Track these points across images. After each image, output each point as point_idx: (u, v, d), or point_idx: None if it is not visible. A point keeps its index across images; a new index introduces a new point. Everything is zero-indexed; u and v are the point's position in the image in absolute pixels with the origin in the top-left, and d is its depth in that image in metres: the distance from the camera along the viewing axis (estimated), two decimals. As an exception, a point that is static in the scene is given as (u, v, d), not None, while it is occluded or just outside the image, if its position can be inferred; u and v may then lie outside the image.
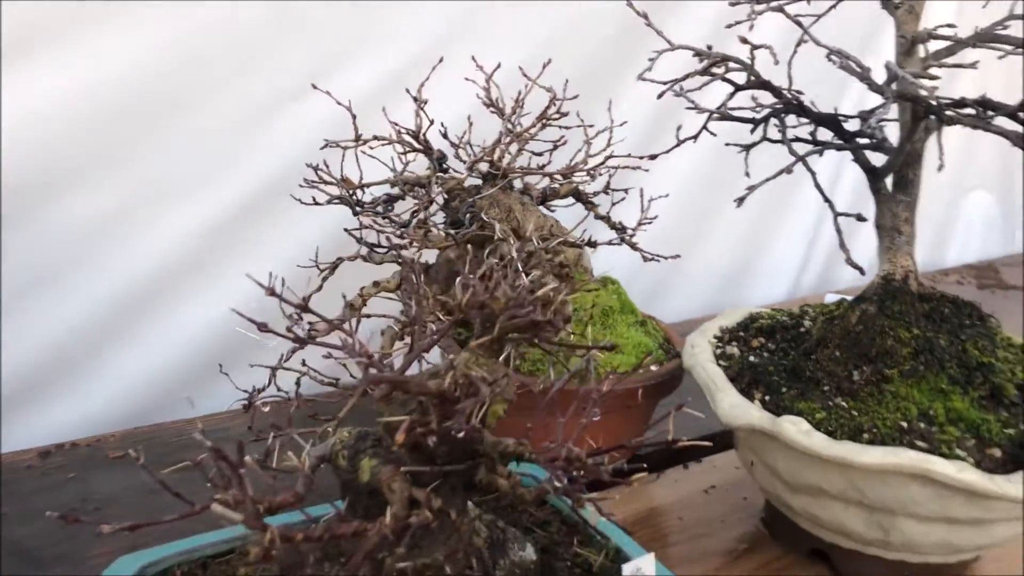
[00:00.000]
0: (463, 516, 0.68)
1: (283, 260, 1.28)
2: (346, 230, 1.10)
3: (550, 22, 1.46)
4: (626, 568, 0.69)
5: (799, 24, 0.84)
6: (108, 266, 1.24)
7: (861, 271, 0.90)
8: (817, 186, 0.91)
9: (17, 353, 1.19)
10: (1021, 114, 0.78)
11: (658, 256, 1.13)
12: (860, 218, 0.89)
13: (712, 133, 1.00)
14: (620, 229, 1.18)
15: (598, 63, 1.49)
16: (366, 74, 1.32)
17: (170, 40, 1.22)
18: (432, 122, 1.09)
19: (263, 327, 0.60)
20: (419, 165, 1.14)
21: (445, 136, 1.16)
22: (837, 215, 0.88)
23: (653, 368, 1.09)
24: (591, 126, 1.13)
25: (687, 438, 1.01)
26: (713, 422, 1.32)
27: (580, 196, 1.19)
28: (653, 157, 1.03)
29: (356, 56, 1.32)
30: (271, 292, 0.63)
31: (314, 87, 1.10)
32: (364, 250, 1.11)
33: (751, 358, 1.00)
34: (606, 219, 1.18)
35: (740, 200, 0.89)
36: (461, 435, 0.58)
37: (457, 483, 0.66)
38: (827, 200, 0.90)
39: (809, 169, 0.88)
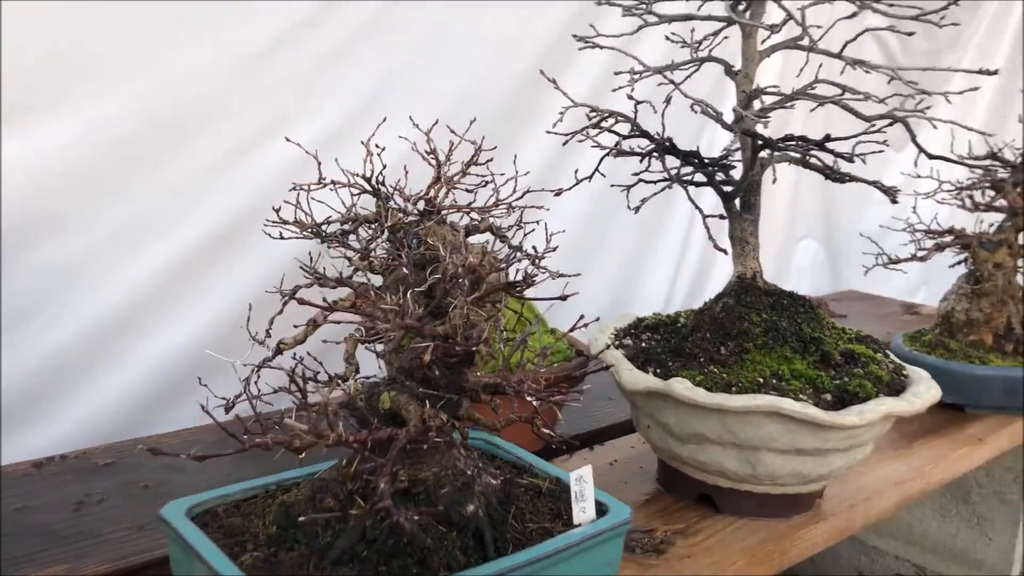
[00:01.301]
0: (451, 442, 0.90)
1: (246, 290, 1.49)
2: (301, 266, 1.32)
3: (464, 81, 1.74)
4: (572, 474, 0.93)
5: (672, 82, 1.15)
6: (86, 300, 1.41)
7: (724, 251, 1.19)
8: (690, 198, 1.20)
9: (9, 377, 1.33)
10: (827, 144, 1.10)
11: (561, 273, 1.39)
12: (722, 216, 1.19)
13: (603, 174, 1.28)
14: (529, 256, 1.44)
15: (507, 114, 1.76)
16: (307, 131, 1.55)
17: (138, 102, 1.42)
18: (384, 167, 1.32)
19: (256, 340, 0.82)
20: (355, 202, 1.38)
21: (382, 183, 1.40)
22: (705, 216, 1.18)
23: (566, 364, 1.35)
24: (502, 174, 1.40)
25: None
26: (611, 415, 1.59)
27: (496, 231, 1.45)
28: (558, 193, 1.30)
29: (301, 114, 1.55)
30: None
31: (287, 139, 1.31)
32: (325, 272, 1.33)
33: (643, 345, 1.27)
34: (518, 248, 1.44)
35: (636, 208, 1.18)
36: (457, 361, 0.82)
37: (448, 415, 0.89)
38: (696, 206, 1.20)
39: (682, 184, 1.18)
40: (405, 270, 1.33)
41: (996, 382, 1.64)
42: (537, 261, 1.45)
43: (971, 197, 1.79)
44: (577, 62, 1.86)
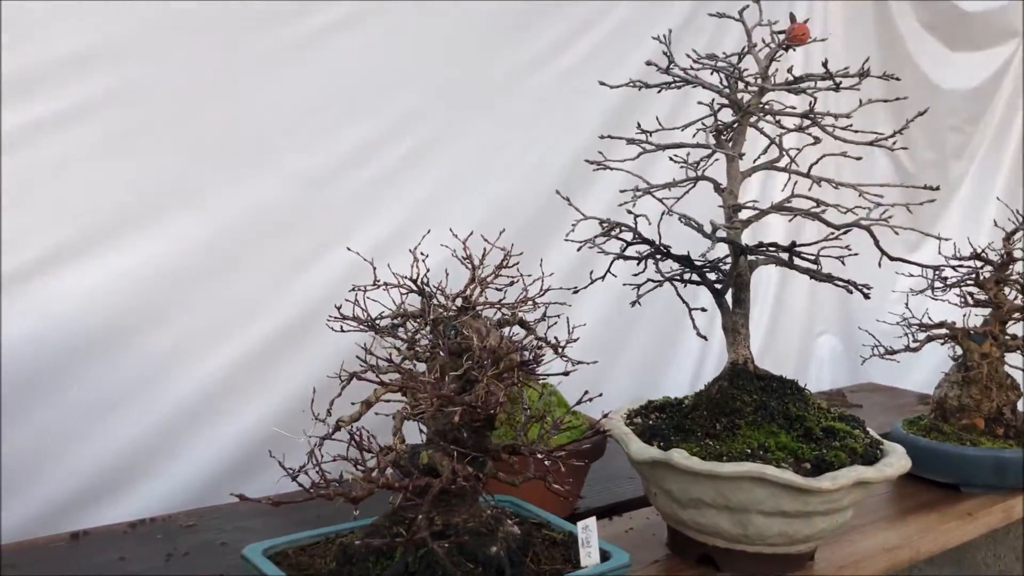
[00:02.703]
0: (477, 494, 1.10)
1: (309, 377, 1.72)
2: (357, 356, 1.55)
3: (497, 197, 1.99)
4: (580, 524, 1.12)
5: (661, 200, 1.38)
6: (173, 387, 1.65)
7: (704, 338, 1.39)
8: (678, 294, 1.41)
9: (104, 451, 1.57)
10: (796, 248, 1.31)
11: (583, 362, 1.60)
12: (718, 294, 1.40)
13: (614, 275, 1.50)
14: (553, 346, 1.65)
15: (535, 224, 2.00)
16: (362, 241, 1.80)
17: (220, 221, 1.69)
18: (428, 271, 1.56)
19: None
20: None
21: (426, 284, 1.64)
22: (691, 310, 1.39)
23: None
24: (529, 275, 1.63)
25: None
26: (629, 492, 1.76)
27: (524, 323, 1.67)
28: (576, 291, 1.52)
29: (356, 228, 1.81)
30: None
31: (348, 249, 1.55)
32: (377, 360, 1.55)
33: (650, 423, 1.46)
34: (543, 338, 1.66)
35: (633, 303, 1.40)
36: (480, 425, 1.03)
37: (475, 470, 1.09)
38: (683, 301, 1.41)
39: (673, 282, 1.39)
40: (443, 356, 1.56)
41: (987, 462, 1.78)
42: (560, 348, 1.67)
43: (969, 294, 1.97)
44: (597, 180, 2.11)
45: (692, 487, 1.33)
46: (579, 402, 1.14)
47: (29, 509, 1.51)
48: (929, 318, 1.95)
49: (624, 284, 1.53)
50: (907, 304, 1.93)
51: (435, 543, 1.00)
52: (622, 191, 1.44)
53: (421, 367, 1.61)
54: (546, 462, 1.07)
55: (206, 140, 1.67)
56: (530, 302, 1.62)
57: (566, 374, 1.09)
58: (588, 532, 1.13)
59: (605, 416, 1.10)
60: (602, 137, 1.43)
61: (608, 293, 1.54)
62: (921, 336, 1.93)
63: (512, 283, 1.63)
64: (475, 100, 1.98)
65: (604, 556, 1.14)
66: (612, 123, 2.07)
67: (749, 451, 1.33)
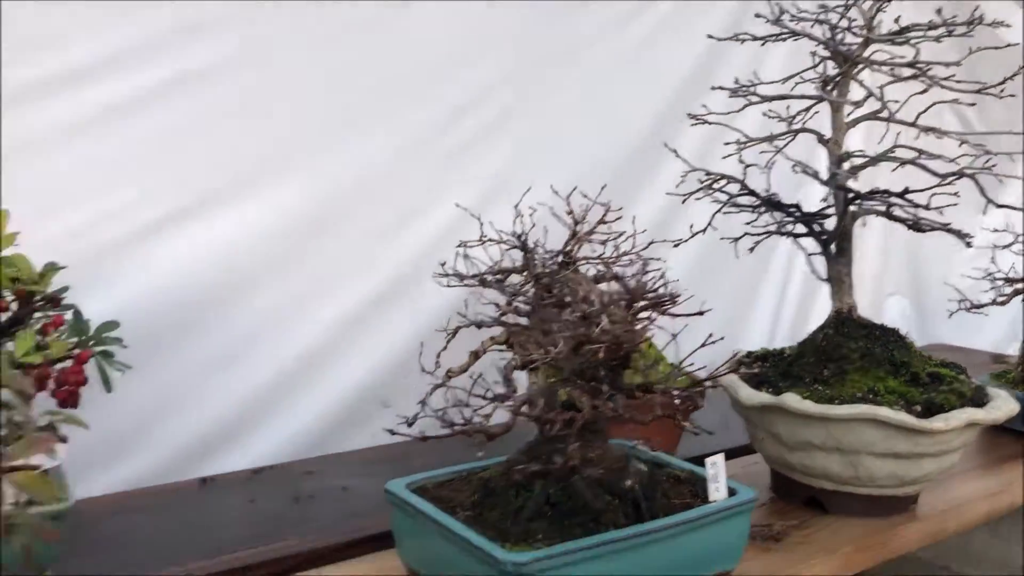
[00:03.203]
0: (609, 432, 1.14)
1: (410, 333, 1.78)
2: (459, 313, 1.60)
3: (589, 152, 2.02)
4: (708, 460, 1.16)
5: (777, 148, 1.40)
6: (280, 343, 1.71)
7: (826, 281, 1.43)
8: (795, 242, 1.44)
9: (221, 404, 1.63)
10: (906, 195, 1.33)
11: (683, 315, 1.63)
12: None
13: (715, 228, 1.53)
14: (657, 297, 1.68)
15: (624, 180, 2.03)
16: (462, 199, 1.85)
17: (324, 182, 1.75)
18: (533, 226, 1.59)
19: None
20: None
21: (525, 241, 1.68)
22: (809, 255, 1.42)
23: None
24: (623, 232, 1.66)
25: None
26: (726, 440, 1.79)
27: (618, 278, 1.70)
28: (677, 244, 1.55)
29: (456, 186, 1.85)
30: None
31: (456, 205, 1.60)
32: (481, 316, 1.60)
33: (755, 371, 1.50)
34: (641, 291, 1.69)
35: (751, 249, 1.43)
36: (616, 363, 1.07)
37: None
38: (801, 247, 1.44)
39: (785, 234, 1.42)
40: (549, 309, 1.60)
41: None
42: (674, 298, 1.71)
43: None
44: (681, 135, 2.14)
45: (803, 430, 1.36)
46: (701, 345, 1.18)
47: (156, 458, 1.58)
48: (1016, 271, 1.96)
49: (722, 239, 1.56)
50: (993, 258, 1.94)
51: (578, 477, 1.04)
52: (726, 143, 1.47)
53: (523, 321, 1.66)
54: (676, 400, 1.11)
55: (310, 105, 1.72)
56: (627, 256, 1.66)
57: (701, 313, 1.12)
58: (716, 468, 1.17)
59: (736, 357, 1.13)
60: (713, 88, 1.46)
61: (689, 248, 1.57)
62: (1008, 290, 1.94)
63: (608, 240, 1.67)
64: (561, 57, 2.01)
65: (730, 492, 1.18)
66: (698, 77, 2.10)
67: (859, 395, 1.36)
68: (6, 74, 1.43)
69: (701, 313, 1.11)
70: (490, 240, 1.60)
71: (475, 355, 1.60)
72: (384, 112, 1.80)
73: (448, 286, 1.59)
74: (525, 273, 1.59)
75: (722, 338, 1.21)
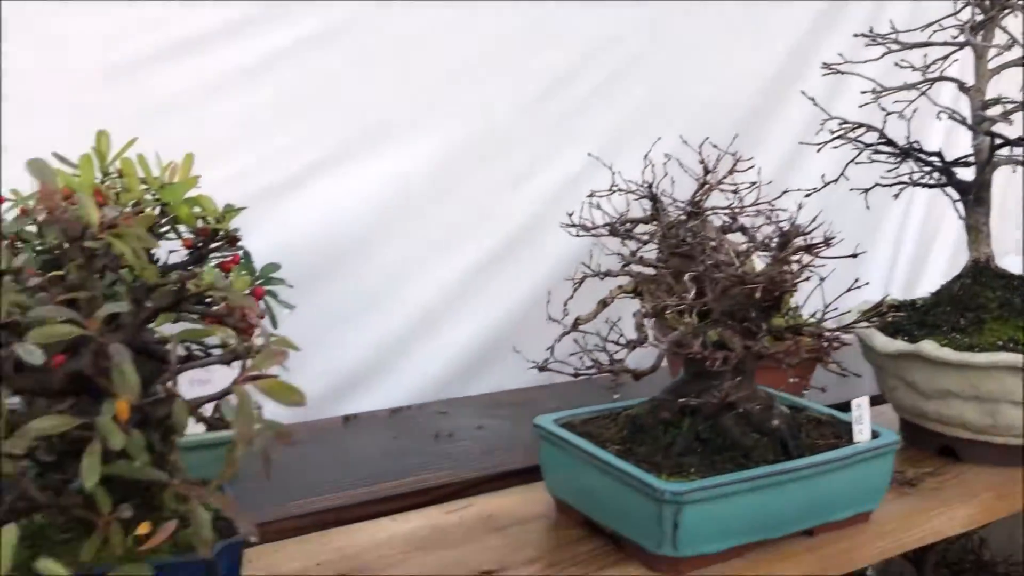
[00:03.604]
0: (755, 373, 1.17)
1: (534, 282, 1.83)
2: (584, 263, 1.63)
3: (709, 101, 2.03)
4: (854, 401, 1.17)
5: (923, 93, 1.39)
6: (412, 291, 1.77)
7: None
8: (942, 189, 1.43)
9: (358, 348, 1.71)
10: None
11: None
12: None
13: (847, 177, 1.53)
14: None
15: (743, 130, 2.04)
16: (584, 149, 1.87)
17: (449, 137, 1.80)
18: (666, 174, 1.61)
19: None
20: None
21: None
22: (955, 201, 1.42)
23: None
24: (751, 182, 1.67)
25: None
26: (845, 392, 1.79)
27: (744, 229, 1.72)
28: (808, 195, 1.55)
29: (579, 138, 1.88)
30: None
31: (588, 154, 1.63)
32: (605, 268, 1.63)
33: (889, 320, 1.50)
34: (763, 244, 1.70)
35: (898, 196, 1.43)
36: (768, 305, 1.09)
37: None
38: (947, 194, 1.43)
39: (922, 185, 1.42)
40: (677, 259, 1.62)
41: None
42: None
43: None
44: (799, 83, 2.12)
45: (940, 378, 1.36)
46: (848, 290, 1.19)
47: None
48: None
49: (851, 190, 1.55)
50: None
51: (726, 413, 1.07)
52: (863, 92, 1.46)
53: (648, 271, 1.68)
54: (824, 343, 1.13)
55: (437, 59, 1.77)
56: (755, 207, 1.67)
57: (855, 255, 1.13)
58: (861, 410, 1.18)
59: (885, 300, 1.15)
60: (856, 36, 1.45)
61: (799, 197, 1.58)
62: None
63: (736, 190, 1.68)
64: (686, 5, 2.01)
65: (873, 435, 1.19)
66: (820, 26, 2.08)
67: (999, 343, 1.35)
68: (164, 31, 1.51)
69: (855, 255, 1.12)
70: (620, 190, 1.63)
71: (603, 303, 1.64)
72: (509, 63, 1.84)
73: (578, 235, 1.62)
74: (655, 223, 1.61)
75: (867, 283, 1.22)
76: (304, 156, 1.68)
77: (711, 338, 1.15)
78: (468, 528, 1.19)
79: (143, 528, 0.74)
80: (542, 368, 1.42)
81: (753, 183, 1.64)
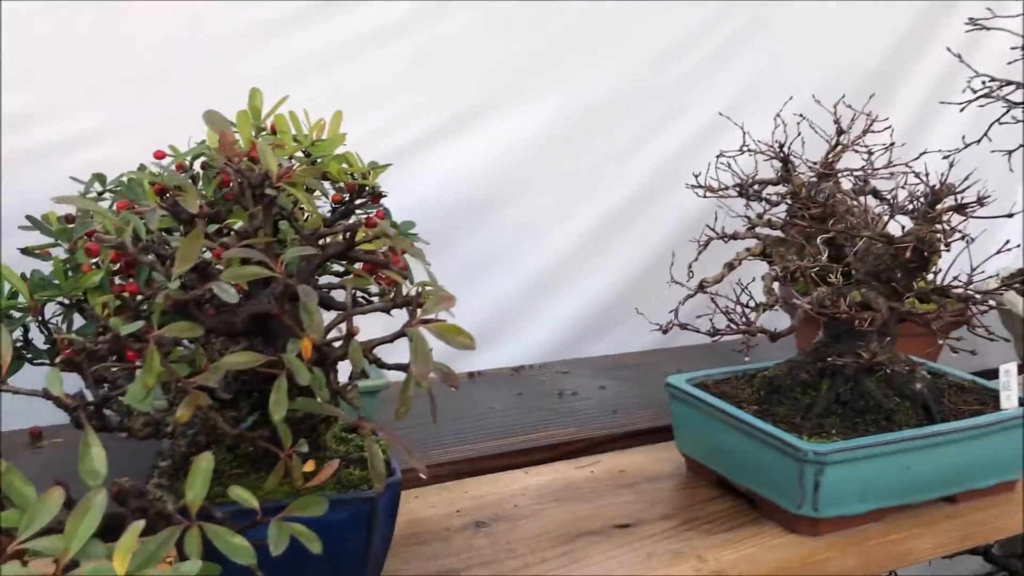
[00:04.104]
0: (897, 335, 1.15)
1: (655, 244, 1.82)
2: (708, 225, 1.61)
3: (826, 64, 1.98)
4: (1002, 367, 1.14)
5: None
6: (532, 252, 1.79)
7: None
8: None
9: (480, 307, 1.74)
10: None
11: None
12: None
13: (990, 139, 1.47)
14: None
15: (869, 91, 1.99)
16: (705, 111, 1.85)
17: (573, 99, 1.79)
18: (799, 134, 1.58)
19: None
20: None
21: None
22: None
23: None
24: (891, 142, 1.62)
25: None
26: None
27: (877, 193, 1.67)
28: (947, 157, 1.49)
29: (699, 100, 1.86)
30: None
31: (720, 114, 1.62)
32: (732, 230, 1.61)
33: (1030, 287, 1.44)
34: (900, 207, 1.65)
35: None
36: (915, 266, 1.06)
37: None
38: None
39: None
40: (808, 221, 1.59)
41: None
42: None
43: None
44: (937, 39, 2.04)
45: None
46: (997, 252, 1.15)
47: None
48: None
49: (993, 152, 1.49)
50: None
51: (867, 375, 1.05)
52: (1012, 48, 1.40)
53: (777, 234, 1.66)
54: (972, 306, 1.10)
55: (564, 25, 1.76)
56: (888, 169, 1.62)
57: (1010, 215, 1.09)
58: (1009, 376, 1.15)
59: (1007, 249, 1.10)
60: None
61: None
62: None
63: (870, 151, 1.63)
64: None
65: (1020, 403, 1.16)
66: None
67: None
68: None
69: (1011, 215, 1.08)
70: (750, 150, 1.60)
71: (729, 266, 1.62)
72: (637, 24, 1.82)
73: (704, 196, 1.60)
74: (785, 184, 1.58)
75: (1018, 245, 1.17)
76: (430, 119, 1.70)
77: (855, 298, 1.13)
78: (599, 483, 1.21)
79: (308, 466, 0.78)
80: (666, 330, 1.42)
81: (888, 144, 1.60)
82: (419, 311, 0.71)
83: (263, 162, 0.74)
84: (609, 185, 1.85)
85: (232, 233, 0.83)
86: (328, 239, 0.86)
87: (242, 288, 0.76)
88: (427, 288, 0.76)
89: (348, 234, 0.78)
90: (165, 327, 0.65)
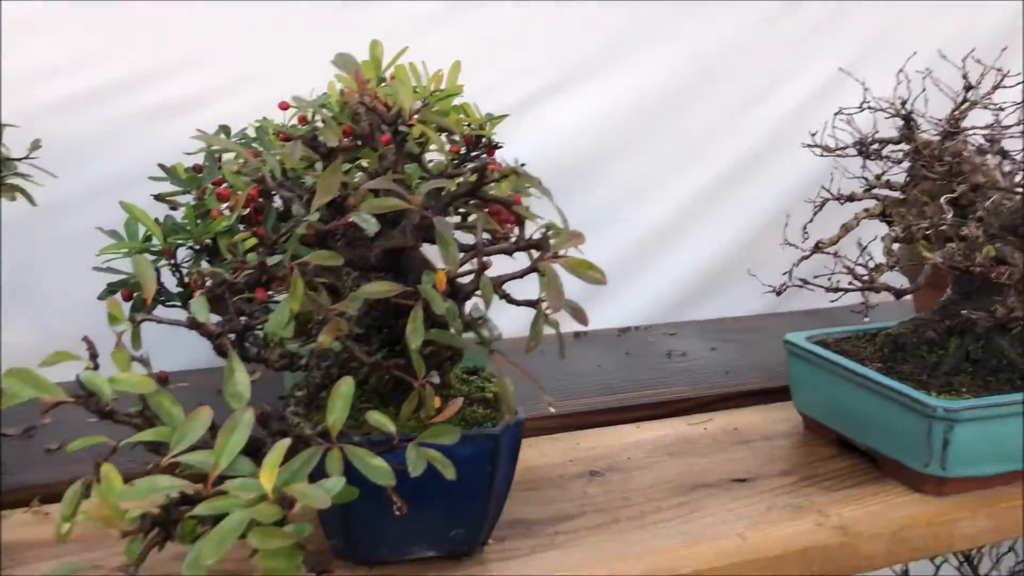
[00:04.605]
0: None
1: (765, 206, 1.79)
2: (823, 187, 1.57)
3: (945, 25, 1.89)
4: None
5: None
6: (638, 213, 1.77)
7: None
8: None
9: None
10: None
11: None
12: None
13: None
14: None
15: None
16: (820, 74, 1.79)
17: (683, 59, 1.76)
18: (924, 91, 1.52)
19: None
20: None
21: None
22: None
23: None
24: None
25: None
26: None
27: (1004, 152, 1.59)
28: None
29: (814, 58, 1.81)
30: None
31: (840, 69, 1.57)
32: (847, 191, 1.56)
33: None
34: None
35: None
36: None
37: None
38: None
39: None
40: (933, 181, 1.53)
41: None
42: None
43: None
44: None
45: None
46: None
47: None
48: None
49: None
50: None
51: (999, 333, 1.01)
52: None
53: (896, 194, 1.60)
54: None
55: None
56: (1020, 126, 1.54)
57: None
58: None
59: None
60: None
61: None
62: None
63: (1001, 108, 1.56)
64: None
65: None
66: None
67: None
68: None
69: None
70: (871, 107, 1.55)
71: (846, 228, 1.57)
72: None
73: (821, 155, 1.56)
74: (908, 143, 1.53)
75: None
76: (543, 74, 1.70)
77: (988, 253, 1.09)
78: (714, 439, 1.20)
79: (435, 402, 0.79)
80: (780, 291, 1.40)
81: (1021, 101, 1.52)
82: (551, 245, 0.71)
83: (397, 99, 0.75)
84: (721, 145, 1.81)
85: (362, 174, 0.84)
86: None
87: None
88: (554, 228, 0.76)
89: (478, 174, 0.79)
90: (307, 256, 0.66)
